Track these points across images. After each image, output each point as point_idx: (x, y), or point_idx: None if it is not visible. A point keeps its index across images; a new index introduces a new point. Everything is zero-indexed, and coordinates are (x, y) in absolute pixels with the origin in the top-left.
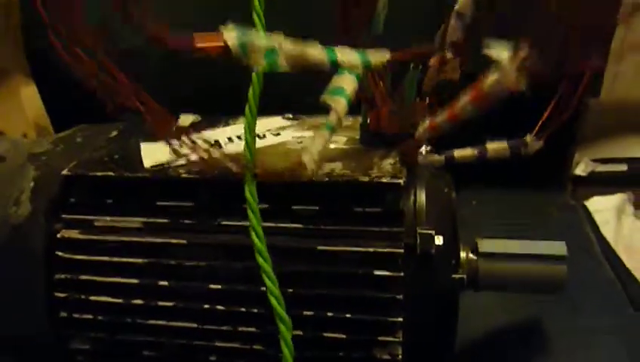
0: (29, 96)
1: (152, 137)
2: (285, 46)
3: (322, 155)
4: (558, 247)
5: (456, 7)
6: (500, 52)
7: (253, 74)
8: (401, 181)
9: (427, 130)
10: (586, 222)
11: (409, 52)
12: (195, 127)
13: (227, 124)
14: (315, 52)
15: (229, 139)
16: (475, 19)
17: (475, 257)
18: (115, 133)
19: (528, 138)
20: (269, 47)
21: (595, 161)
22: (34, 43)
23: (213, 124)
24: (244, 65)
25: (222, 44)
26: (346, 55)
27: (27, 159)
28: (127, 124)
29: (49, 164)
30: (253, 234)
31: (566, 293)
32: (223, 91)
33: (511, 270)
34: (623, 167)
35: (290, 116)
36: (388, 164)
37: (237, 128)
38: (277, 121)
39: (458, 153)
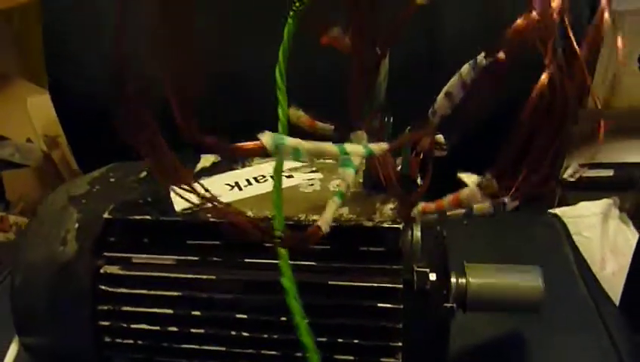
0: (37, 104)
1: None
2: (306, 145)
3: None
4: (535, 273)
5: (446, 87)
6: (470, 178)
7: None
8: (400, 226)
9: (420, 212)
10: (565, 240)
11: (405, 138)
12: (215, 168)
13: (244, 166)
14: (328, 147)
15: (248, 181)
16: (462, 99)
17: (464, 281)
18: (143, 173)
19: (506, 199)
20: (294, 146)
21: (582, 165)
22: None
23: (231, 165)
24: None
25: (261, 145)
26: (352, 148)
27: (68, 201)
28: None
29: (89, 207)
30: (285, 281)
31: (543, 311)
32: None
33: (494, 293)
34: (610, 172)
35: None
36: (388, 209)
37: (255, 170)
38: (287, 163)
39: (450, 212)
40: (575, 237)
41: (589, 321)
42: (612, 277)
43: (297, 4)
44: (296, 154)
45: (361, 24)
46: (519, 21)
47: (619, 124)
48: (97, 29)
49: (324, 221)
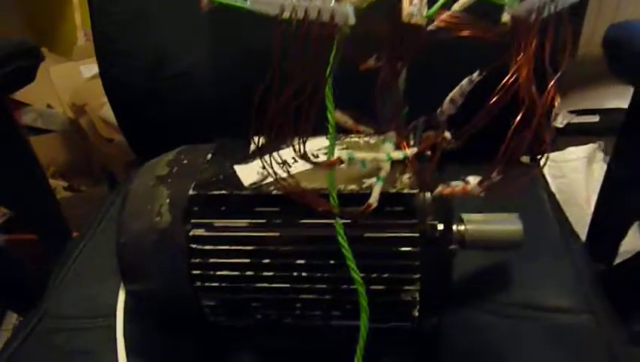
0: (60, 72)
1: (241, 160)
2: (367, 157)
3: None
4: (516, 220)
5: (450, 95)
6: (472, 179)
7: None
8: (416, 191)
9: (441, 192)
10: (541, 185)
11: (428, 142)
12: (265, 149)
13: (288, 145)
14: (380, 156)
15: (294, 159)
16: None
17: (462, 228)
18: (209, 156)
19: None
20: (361, 159)
21: (571, 112)
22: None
23: (279, 146)
24: None
25: (339, 159)
26: (395, 154)
27: (157, 180)
28: (215, 146)
29: (175, 185)
30: (340, 239)
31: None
32: None
33: (485, 236)
34: (595, 118)
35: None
36: (406, 178)
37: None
38: (324, 141)
39: (471, 179)
40: (562, 180)
41: (559, 253)
42: None
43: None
44: (362, 164)
45: (393, 55)
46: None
47: (604, 70)
48: (142, 27)
49: (374, 199)
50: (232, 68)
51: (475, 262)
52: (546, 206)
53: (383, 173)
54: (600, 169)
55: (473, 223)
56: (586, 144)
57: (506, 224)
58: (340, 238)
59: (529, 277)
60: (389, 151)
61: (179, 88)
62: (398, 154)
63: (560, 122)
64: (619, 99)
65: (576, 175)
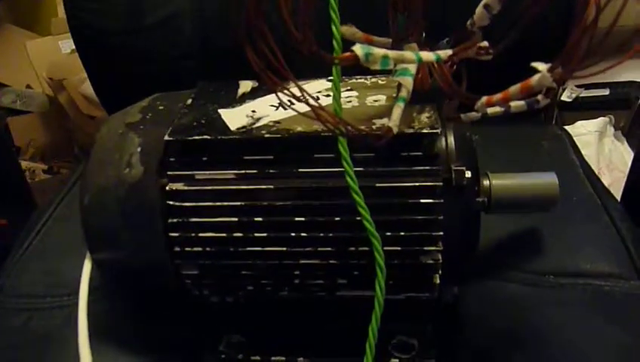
0: (37, 47)
1: (226, 104)
2: (391, 53)
3: (394, 121)
4: (550, 174)
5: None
6: (541, 65)
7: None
8: (438, 130)
9: (484, 104)
10: (570, 149)
11: (462, 49)
12: (257, 93)
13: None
14: (407, 55)
15: (290, 102)
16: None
17: (488, 183)
18: (190, 100)
19: (539, 97)
20: (383, 55)
21: (579, 86)
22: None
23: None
24: None
25: (354, 55)
26: (425, 55)
27: (126, 128)
28: (197, 90)
29: (148, 131)
30: (348, 178)
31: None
32: None
33: (517, 190)
34: (605, 92)
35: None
36: (425, 117)
37: (295, 92)
38: (324, 84)
39: (491, 110)
40: None
41: (596, 215)
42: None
43: None
44: (384, 62)
45: None
46: None
47: (614, 43)
48: None
49: (394, 122)
50: (220, 16)
51: (501, 228)
52: (578, 169)
53: (404, 93)
54: (610, 143)
55: (501, 178)
56: (594, 118)
57: (540, 177)
58: (344, 163)
59: (565, 239)
60: (412, 56)
61: (159, 39)
62: (428, 56)
63: (568, 96)
64: (629, 72)
65: (587, 149)
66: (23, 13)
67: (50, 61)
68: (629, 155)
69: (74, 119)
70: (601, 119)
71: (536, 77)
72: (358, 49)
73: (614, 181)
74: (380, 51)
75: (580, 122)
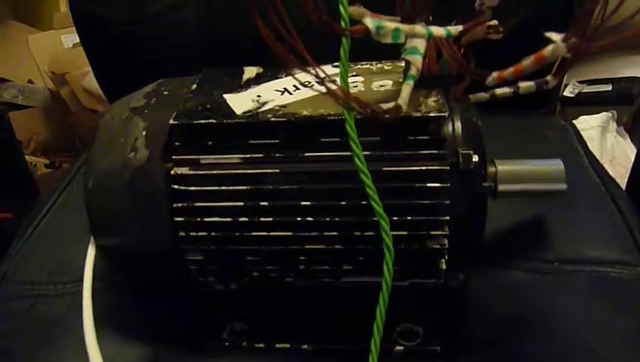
0: (39, 41)
1: (231, 89)
2: (402, 27)
3: (404, 99)
4: (557, 164)
5: None
6: (555, 35)
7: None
8: (445, 114)
9: (495, 79)
10: (575, 138)
11: (474, 22)
12: (261, 78)
13: (288, 75)
14: (418, 29)
15: (296, 87)
16: None
17: (494, 170)
18: (194, 86)
19: (549, 77)
20: (395, 28)
21: (581, 82)
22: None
23: (276, 74)
24: None
25: (365, 27)
26: (435, 30)
27: (131, 113)
28: (202, 76)
29: (152, 116)
30: (356, 159)
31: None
32: None
33: (524, 175)
34: (608, 87)
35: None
36: (432, 101)
37: (301, 77)
38: (330, 70)
39: (499, 91)
40: None
41: (602, 203)
42: None
43: None
44: (395, 35)
45: None
46: None
47: (616, 39)
48: None
49: (402, 100)
50: (224, 5)
51: (507, 216)
52: (583, 158)
53: (413, 70)
54: (613, 138)
55: (507, 164)
56: (597, 114)
57: (546, 164)
58: (352, 143)
59: (572, 225)
60: (423, 30)
61: (162, 28)
62: (439, 30)
63: (570, 92)
64: (631, 68)
65: (589, 144)
66: (25, 8)
67: (52, 55)
68: (631, 150)
69: (76, 113)
70: (603, 114)
71: (549, 47)
72: (369, 22)
73: (617, 176)
74: (391, 24)
75: (582, 117)
